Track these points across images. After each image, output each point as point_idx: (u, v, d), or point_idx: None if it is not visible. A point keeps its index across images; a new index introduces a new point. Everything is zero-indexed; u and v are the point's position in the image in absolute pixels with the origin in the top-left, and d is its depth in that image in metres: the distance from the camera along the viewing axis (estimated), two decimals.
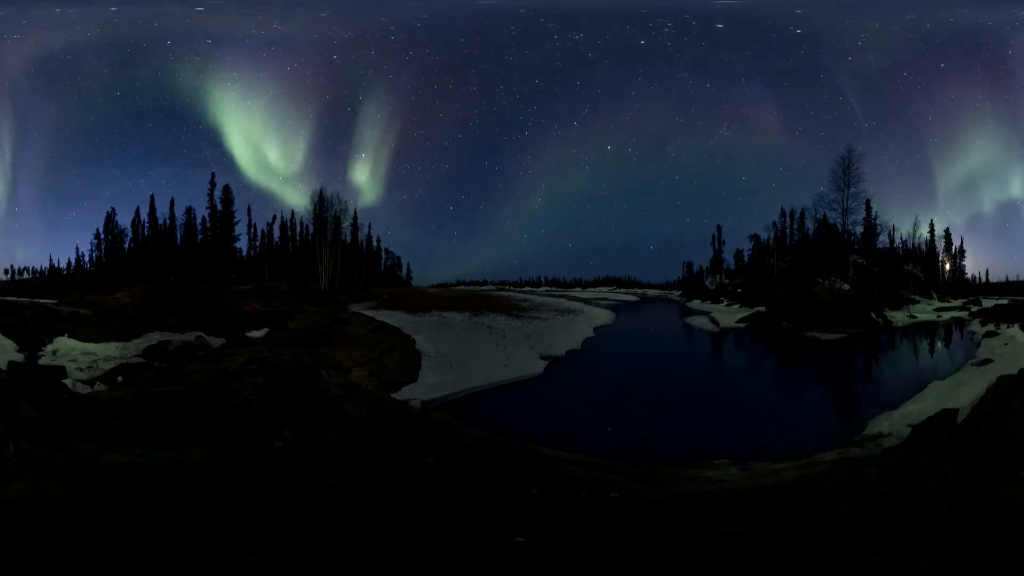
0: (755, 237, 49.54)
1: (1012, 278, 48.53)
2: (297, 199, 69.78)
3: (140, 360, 11.42)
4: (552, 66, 53.99)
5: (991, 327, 20.15)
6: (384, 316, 21.69)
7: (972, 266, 50.74)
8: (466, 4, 46.27)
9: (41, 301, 17.91)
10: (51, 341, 12.55)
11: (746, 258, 51.70)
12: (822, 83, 53.42)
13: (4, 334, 11.67)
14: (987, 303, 32.40)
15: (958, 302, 36.80)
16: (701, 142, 60.19)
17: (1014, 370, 7.35)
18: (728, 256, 53.95)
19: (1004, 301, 31.10)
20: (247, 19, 44.98)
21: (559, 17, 46.55)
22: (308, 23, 46.76)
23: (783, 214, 46.89)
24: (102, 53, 45.80)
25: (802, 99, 58.95)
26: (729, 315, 30.30)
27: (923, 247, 47.95)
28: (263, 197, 54.77)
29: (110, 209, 43.27)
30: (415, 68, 53.32)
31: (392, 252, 59.46)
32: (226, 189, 42.30)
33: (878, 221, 41.38)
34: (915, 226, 48.19)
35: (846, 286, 31.39)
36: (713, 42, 49.11)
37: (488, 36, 48.83)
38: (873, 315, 26.56)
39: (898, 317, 28.67)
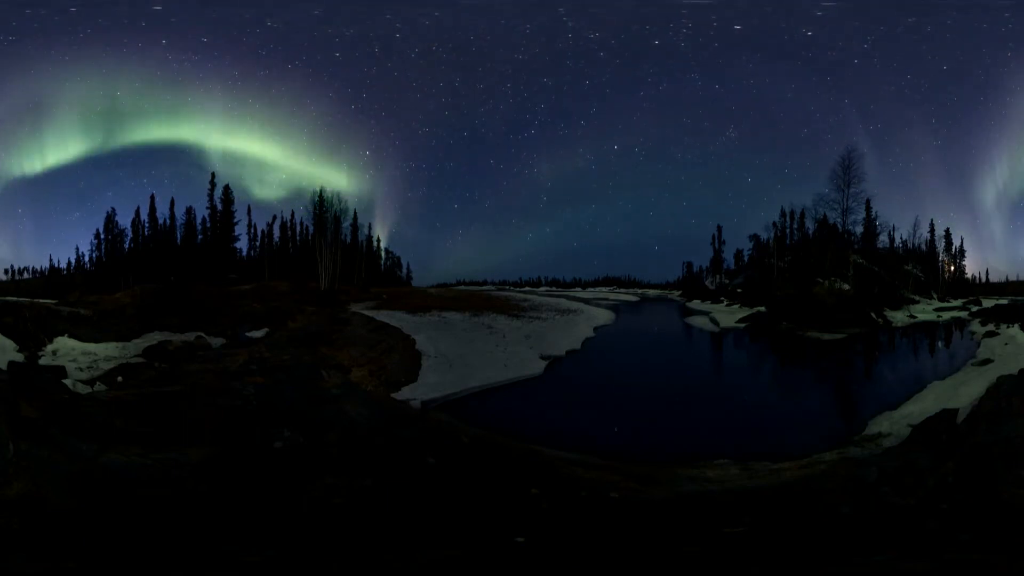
0: (755, 237, 49.70)
1: (1012, 278, 48.61)
2: (298, 198, 69.73)
3: (140, 360, 11.40)
4: (562, 65, 53.87)
5: (991, 327, 20.16)
6: (384, 316, 21.67)
7: (972, 266, 50.85)
8: (477, 3, 46.09)
9: (41, 301, 17.89)
10: (51, 341, 12.54)
11: (746, 258, 51.76)
12: (828, 85, 53.45)
13: (4, 334, 11.65)
14: (987, 303, 32.41)
15: (958, 302, 36.81)
16: (707, 143, 60.13)
17: (1014, 370, 7.37)
18: (728, 256, 54.05)
19: (1004, 301, 31.11)
20: (244, 16, 44.86)
21: (579, 15, 46.31)
22: (307, 20, 46.67)
23: (783, 214, 47.05)
24: (101, 52, 45.80)
25: (807, 101, 58.91)
26: (729, 315, 30.31)
27: (923, 247, 48.03)
28: (264, 197, 54.79)
29: (110, 209, 43.39)
30: (420, 66, 53.23)
31: (392, 252, 59.55)
32: (226, 189, 42.37)
33: (878, 221, 41.50)
34: (915, 226, 48.38)
35: (846, 286, 31.38)
36: (727, 43, 49.00)
37: (499, 35, 48.68)
38: (873, 315, 26.55)
39: (898, 317, 28.67)
